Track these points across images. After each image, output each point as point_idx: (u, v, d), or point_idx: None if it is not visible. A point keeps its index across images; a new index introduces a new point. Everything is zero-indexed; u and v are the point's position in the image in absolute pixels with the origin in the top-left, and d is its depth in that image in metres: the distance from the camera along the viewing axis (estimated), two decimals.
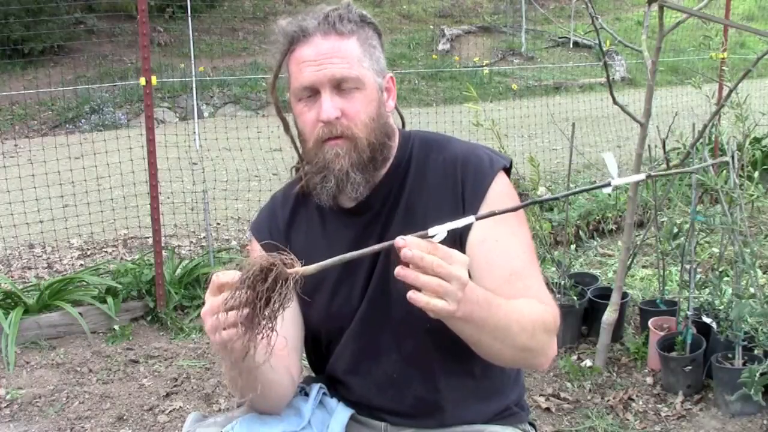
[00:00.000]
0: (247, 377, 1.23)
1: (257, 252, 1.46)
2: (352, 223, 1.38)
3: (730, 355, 2.84)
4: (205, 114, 11.28)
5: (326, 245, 1.41)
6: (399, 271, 1.07)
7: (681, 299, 3.12)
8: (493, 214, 1.16)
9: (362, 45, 1.34)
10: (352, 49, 1.32)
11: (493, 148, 1.48)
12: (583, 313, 3.45)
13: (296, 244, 1.44)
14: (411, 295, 1.07)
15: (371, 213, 1.39)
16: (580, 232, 4.71)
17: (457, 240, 1.35)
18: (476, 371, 1.43)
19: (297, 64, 1.33)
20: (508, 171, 1.43)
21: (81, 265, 4.72)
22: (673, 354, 2.94)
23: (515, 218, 1.36)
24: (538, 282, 1.35)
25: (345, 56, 1.31)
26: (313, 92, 1.32)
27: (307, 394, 1.49)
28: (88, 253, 5.05)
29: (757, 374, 2.57)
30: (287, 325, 1.30)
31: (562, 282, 3.41)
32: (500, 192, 1.37)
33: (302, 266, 1.07)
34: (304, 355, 1.55)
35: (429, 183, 1.39)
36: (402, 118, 1.53)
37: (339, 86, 1.31)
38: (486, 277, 1.31)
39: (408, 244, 1.06)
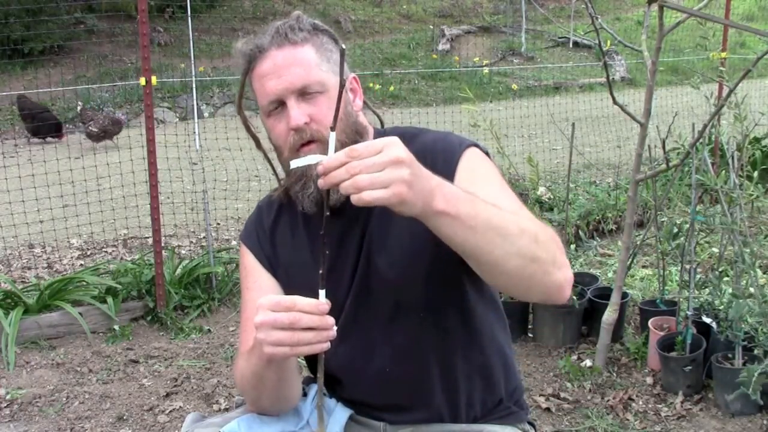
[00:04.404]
0: (277, 370, 1.30)
1: (248, 259, 1.49)
2: (334, 223, 1.39)
3: (730, 355, 2.84)
4: (205, 114, 11.28)
5: (310, 247, 1.44)
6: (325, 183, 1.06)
7: (681, 299, 3.12)
8: None
9: (318, 50, 1.36)
10: (308, 55, 1.34)
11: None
12: (583, 313, 3.45)
13: (281, 247, 1.48)
14: (352, 198, 1.05)
15: (352, 212, 1.40)
16: (580, 232, 4.72)
17: None
18: (471, 360, 1.44)
19: (259, 79, 1.36)
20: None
21: (81, 265, 4.72)
22: (673, 354, 2.94)
23: (493, 175, 1.37)
24: (528, 215, 1.31)
25: (302, 63, 1.33)
26: (279, 104, 1.35)
27: (305, 395, 1.50)
28: (88, 253, 5.05)
29: (756, 374, 2.57)
30: None
31: None
32: (470, 161, 1.37)
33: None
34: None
35: None
36: (379, 117, 1.55)
37: (302, 93, 1.33)
38: None
39: (325, 167, 1.07)
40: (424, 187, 1.08)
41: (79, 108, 9.41)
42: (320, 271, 1.13)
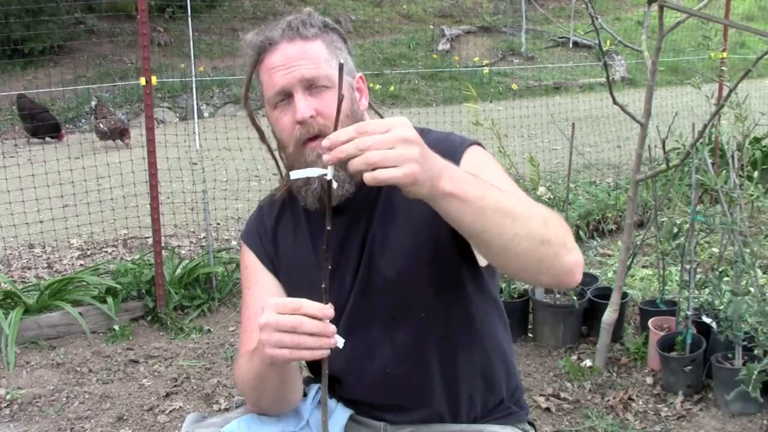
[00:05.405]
0: (279, 372, 1.29)
1: (250, 259, 1.49)
2: (337, 221, 1.39)
3: (730, 355, 2.84)
4: (205, 114, 11.28)
5: (313, 245, 1.44)
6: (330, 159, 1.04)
7: (681, 299, 3.12)
8: None
9: (328, 47, 1.37)
10: (318, 50, 1.35)
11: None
12: (583, 313, 3.45)
13: (284, 245, 1.48)
14: (366, 176, 1.04)
15: (354, 210, 1.40)
16: (580, 232, 4.71)
17: None
18: (473, 360, 1.44)
19: (267, 71, 1.36)
20: None
21: (81, 265, 4.72)
22: (673, 354, 2.94)
23: (497, 170, 1.38)
24: (534, 202, 1.30)
25: (312, 57, 1.34)
26: (286, 96, 1.35)
27: (305, 395, 1.50)
28: (88, 253, 5.05)
29: (755, 372, 2.57)
30: None
31: None
32: (473, 158, 1.38)
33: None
34: None
35: None
36: (382, 118, 1.55)
37: (310, 87, 1.33)
38: None
39: (332, 141, 1.05)
40: (432, 168, 1.08)
41: (93, 103, 9.49)
42: (323, 285, 1.13)
